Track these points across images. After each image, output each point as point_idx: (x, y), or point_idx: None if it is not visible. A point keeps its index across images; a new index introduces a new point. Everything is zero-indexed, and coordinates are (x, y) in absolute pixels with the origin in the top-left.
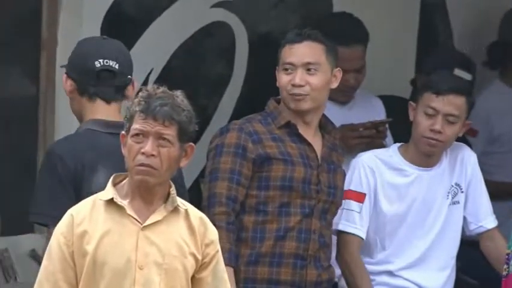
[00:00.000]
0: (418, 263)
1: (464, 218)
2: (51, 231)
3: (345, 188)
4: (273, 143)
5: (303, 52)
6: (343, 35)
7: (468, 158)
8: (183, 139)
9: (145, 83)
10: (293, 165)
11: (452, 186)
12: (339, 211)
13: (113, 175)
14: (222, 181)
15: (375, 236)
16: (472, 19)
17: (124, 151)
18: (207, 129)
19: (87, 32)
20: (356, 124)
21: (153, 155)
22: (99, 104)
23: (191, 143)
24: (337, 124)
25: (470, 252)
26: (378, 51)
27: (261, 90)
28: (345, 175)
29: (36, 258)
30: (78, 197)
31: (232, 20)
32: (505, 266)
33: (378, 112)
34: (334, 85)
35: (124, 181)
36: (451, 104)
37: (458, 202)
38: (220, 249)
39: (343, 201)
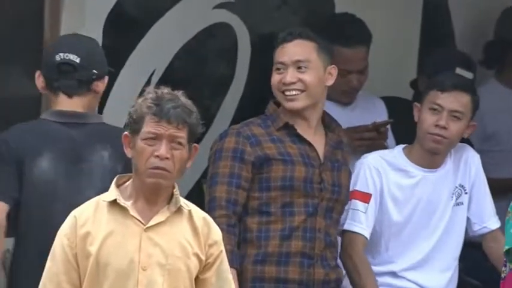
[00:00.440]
0: (421, 264)
1: (468, 219)
2: None
3: (351, 188)
4: (271, 144)
5: (293, 51)
6: (346, 36)
7: (472, 159)
8: (191, 141)
9: (147, 84)
10: (293, 164)
11: (457, 187)
12: (345, 212)
13: (117, 176)
14: (222, 185)
15: (380, 237)
16: (474, 19)
17: (128, 152)
18: (209, 130)
19: (89, 32)
20: (358, 126)
21: (167, 158)
22: (62, 97)
23: (195, 144)
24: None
25: (473, 254)
26: (380, 52)
27: (263, 91)
28: (350, 173)
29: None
30: (20, 176)
31: (235, 21)
32: (503, 269)
33: (380, 113)
34: (330, 82)
35: (127, 182)
36: (456, 100)
37: (462, 203)
38: (224, 250)
39: (350, 201)
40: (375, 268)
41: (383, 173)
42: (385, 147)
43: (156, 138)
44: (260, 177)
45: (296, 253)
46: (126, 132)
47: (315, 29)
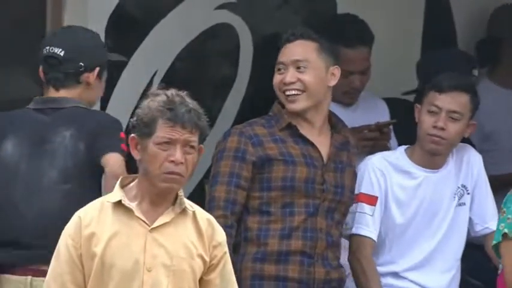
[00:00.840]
0: (423, 264)
1: (470, 220)
2: None
3: (356, 191)
4: (273, 145)
5: (293, 51)
6: (348, 36)
7: (474, 159)
8: (200, 142)
9: (149, 84)
10: (294, 165)
11: (459, 187)
12: (351, 215)
13: (121, 177)
14: (221, 185)
15: (383, 238)
16: (476, 18)
17: (135, 154)
18: (212, 131)
19: None
20: (360, 126)
21: (181, 163)
22: (51, 90)
23: (200, 145)
24: None
25: (475, 254)
26: (382, 53)
27: (266, 92)
28: (355, 175)
29: None
30: None
31: (237, 21)
32: (500, 265)
33: (382, 114)
34: (332, 83)
35: (132, 183)
36: (453, 101)
37: (464, 204)
38: (228, 251)
39: (356, 204)
40: (378, 268)
41: (387, 174)
42: (388, 148)
43: (170, 143)
44: (261, 177)
45: (296, 252)
46: (133, 135)
47: (316, 29)
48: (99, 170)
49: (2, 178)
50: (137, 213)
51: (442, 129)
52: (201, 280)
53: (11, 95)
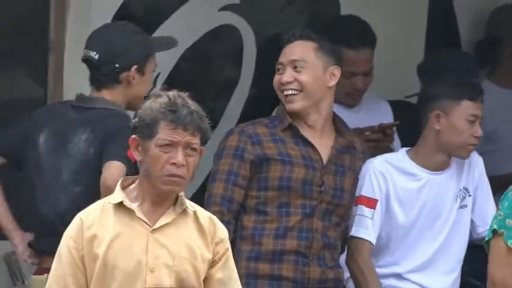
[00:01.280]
0: (426, 266)
1: (472, 221)
2: None
3: (357, 193)
4: (272, 145)
5: (291, 51)
6: (351, 38)
7: (475, 161)
8: (201, 144)
9: (153, 86)
10: (292, 165)
11: (461, 190)
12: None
13: (122, 178)
14: (219, 182)
15: (386, 240)
16: (480, 20)
17: (136, 155)
18: (215, 132)
19: None
20: (364, 128)
21: (183, 165)
22: (93, 91)
23: (201, 147)
24: None
25: (476, 255)
26: (386, 54)
27: (269, 93)
28: (355, 179)
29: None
30: (27, 143)
31: (240, 23)
32: None
33: (385, 115)
34: (332, 83)
35: (133, 184)
36: (481, 108)
37: (466, 206)
38: (230, 248)
39: (356, 207)
40: (380, 270)
41: (389, 177)
42: (391, 150)
43: (172, 145)
44: (259, 176)
45: (290, 251)
46: (134, 136)
47: (319, 30)
48: None
49: (34, 168)
50: (138, 214)
51: (479, 136)
52: (204, 277)
53: (13, 95)
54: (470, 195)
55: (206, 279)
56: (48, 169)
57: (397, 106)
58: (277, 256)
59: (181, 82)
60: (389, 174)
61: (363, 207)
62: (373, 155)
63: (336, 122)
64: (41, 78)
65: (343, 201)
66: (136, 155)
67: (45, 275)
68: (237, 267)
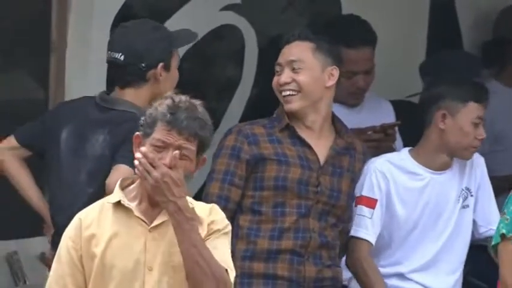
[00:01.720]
0: (429, 265)
1: (474, 221)
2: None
3: (358, 193)
4: (269, 145)
5: (289, 52)
6: (351, 37)
7: (477, 161)
8: (200, 152)
9: None
10: (288, 165)
11: (463, 190)
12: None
13: (121, 178)
14: (216, 182)
15: (388, 240)
16: (481, 19)
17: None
18: (216, 133)
19: (97, 34)
20: (365, 127)
21: (171, 168)
22: (116, 91)
23: (204, 156)
24: None
25: (478, 255)
26: (387, 54)
27: (270, 93)
28: (354, 180)
29: (46, 261)
30: (49, 136)
31: (242, 23)
32: None
33: (387, 115)
34: (330, 83)
35: (133, 184)
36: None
37: (468, 206)
38: (223, 231)
39: (356, 207)
40: (383, 270)
41: (390, 176)
42: (392, 150)
43: (164, 146)
44: (255, 176)
45: (286, 250)
46: (138, 133)
47: (320, 30)
48: None
49: (53, 164)
50: (136, 213)
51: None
52: None
53: (13, 95)
54: (472, 196)
55: None
56: (66, 167)
57: (398, 106)
58: (272, 255)
59: (183, 82)
60: (390, 173)
61: (363, 207)
62: (375, 155)
63: (336, 123)
64: (43, 79)
65: (340, 202)
66: (136, 152)
67: None
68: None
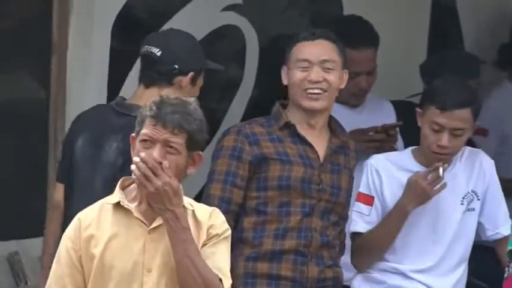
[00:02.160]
0: (430, 267)
1: (481, 224)
2: None
3: (357, 190)
4: (270, 144)
5: (319, 49)
6: (353, 38)
7: (486, 164)
8: (191, 148)
9: None
10: (291, 164)
11: (469, 192)
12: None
13: (121, 179)
14: (217, 183)
15: None
16: (483, 20)
17: (133, 154)
18: (217, 133)
19: (98, 34)
20: (367, 128)
21: (160, 163)
22: (140, 88)
23: (199, 152)
24: (348, 127)
25: (481, 256)
26: (388, 54)
27: (272, 93)
28: (351, 177)
29: None
30: (69, 151)
31: (243, 23)
32: (506, 269)
33: (388, 116)
34: (342, 86)
35: (133, 185)
36: (457, 119)
37: (473, 209)
38: (223, 236)
39: (355, 203)
40: (384, 268)
41: (384, 173)
42: (394, 150)
43: (151, 141)
44: (258, 176)
45: (289, 251)
46: (132, 134)
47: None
48: None
49: (74, 170)
50: (136, 214)
51: (446, 147)
52: None
53: (14, 95)
54: (478, 199)
55: None
56: (83, 173)
57: (399, 106)
58: (276, 256)
59: None
60: (385, 170)
61: (360, 204)
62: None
63: (331, 122)
64: (44, 80)
65: (341, 199)
66: (133, 154)
67: None
68: (235, 267)
